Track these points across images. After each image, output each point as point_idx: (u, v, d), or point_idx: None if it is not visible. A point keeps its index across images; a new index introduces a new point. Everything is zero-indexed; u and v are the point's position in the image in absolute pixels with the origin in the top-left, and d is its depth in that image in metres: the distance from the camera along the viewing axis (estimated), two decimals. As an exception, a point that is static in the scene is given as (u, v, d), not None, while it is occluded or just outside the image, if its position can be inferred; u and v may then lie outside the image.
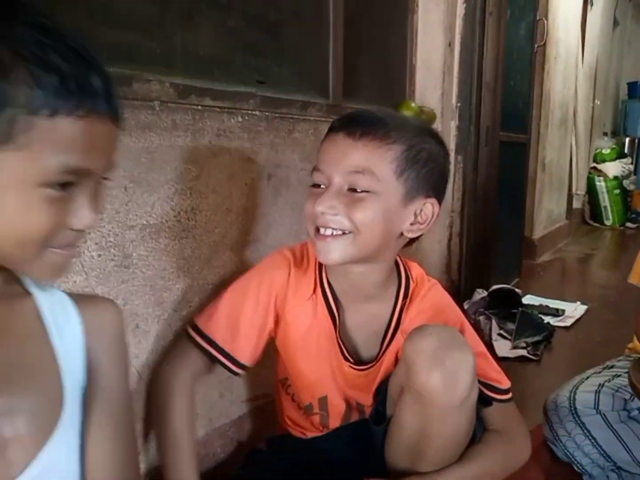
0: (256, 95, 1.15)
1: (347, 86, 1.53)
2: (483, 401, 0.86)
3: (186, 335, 0.92)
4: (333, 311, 0.91)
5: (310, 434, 1.00)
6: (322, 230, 0.81)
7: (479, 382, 0.84)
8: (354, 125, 0.80)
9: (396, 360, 0.92)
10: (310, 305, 0.91)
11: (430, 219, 0.86)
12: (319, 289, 0.92)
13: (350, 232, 0.80)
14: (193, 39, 1.09)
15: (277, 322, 0.93)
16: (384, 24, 1.78)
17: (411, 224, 0.84)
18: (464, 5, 1.90)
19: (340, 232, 0.80)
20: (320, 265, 0.92)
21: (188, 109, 0.97)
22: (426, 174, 0.82)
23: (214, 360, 0.90)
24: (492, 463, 0.89)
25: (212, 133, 1.02)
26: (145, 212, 0.91)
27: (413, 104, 1.81)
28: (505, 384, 0.93)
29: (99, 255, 0.85)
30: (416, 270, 0.98)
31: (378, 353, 0.93)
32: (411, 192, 0.82)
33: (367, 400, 0.95)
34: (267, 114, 1.15)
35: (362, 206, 0.79)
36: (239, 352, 0.90)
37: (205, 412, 1.10)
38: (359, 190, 0.79)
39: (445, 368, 0.76)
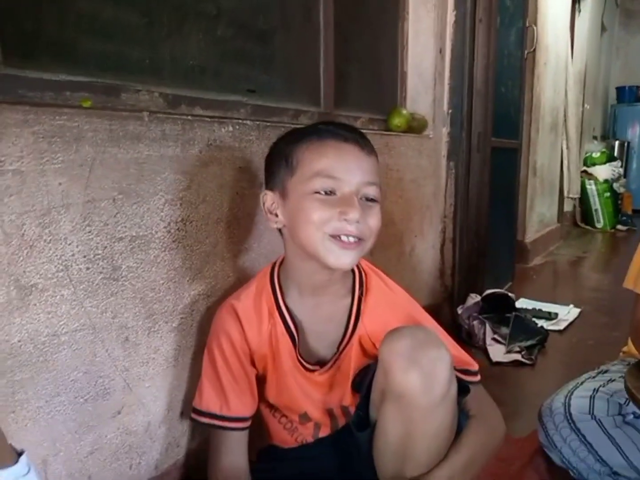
0: (247, 104, 1.14)
1: (338, 94, 1.53)
2: (461, 389, 0.87)
3: (191, 419, 0.96)
4: (292, 331, 0.94)
5: (298, 442, 1.00)
6: (344, 238, 0.83)
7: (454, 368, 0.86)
8: (362, 140, 0.86)
9: (363, 349, 0.94)
10: (269, 333, 0.94)
11: None
12: (275, 313, 0.94)
13: (363, 240, 0.85)
14: (182, 48, 1.09)
15: (255, 362, 0.96)
16: (375, 31, 1.78)
17: None
18: (454, 12, 1.91)
19: (358, 240, 0.84)
20: (274, 286, 0.95)
21: (178, 119, 0.96)
22: None
23: (218, 427, 0.94)
24: (476, 450, 0.90)
25: (202, 143, 1.01)
26: (134, 224, 0.90)
27: (404, 111, 1.81)
28: (474, 366, 0.96)
29: (87, 268, 0.84)
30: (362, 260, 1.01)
31: (339, 345, 0.94)
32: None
33: (346, 399, 0.96)
34: (258, 122, 1.15)
35: (375, 215, 0.86)
36: (239, 409, 0.94)
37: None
38: (371, 199, 0.86)
39: (422, 367, 0.78)
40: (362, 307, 0.94)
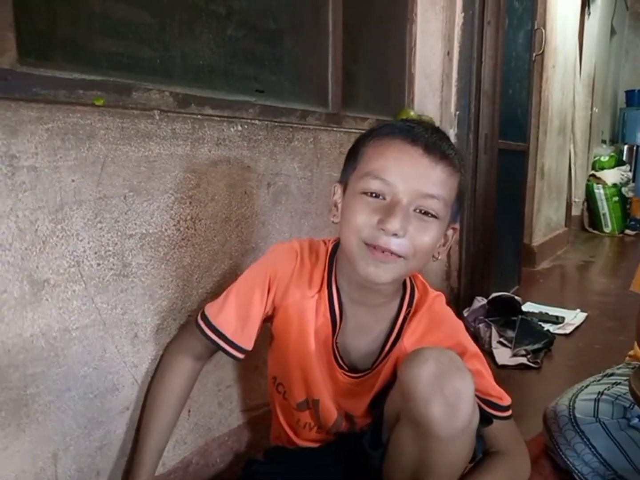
0: (255, 104, 1.15)
1: (346, 95, 1.53)
2: (484, 419, 0.83)
3: (196, 324, 0.91)
4: (335, 315, 0.89)
5: (302, 442, 1.00)
6: (379, 249, 0.76)
7: (479, 398, 0.82)
8: (433, 145, 0.77)
9: (395, 368, 0.90)
10: (313, 304, 0.89)
11: (450, 241, 0.86)
12: (325, 289, 0.89)
13: (402, 257, 0.77)
14: (192, 48, 1.09)
15: (275, 312, 0.92)
16: (383, 33, 1.79)
17: (439, 246, 0.84)
18: (463, 14, 1.91)
19: (396, 255, 0.77)
20: (331, 263, 0.89)
21: (188, 118, 0.98)
22: (462, 202, 0.85)
23: (219, 348, 0.90)
24: None
25: (211, 142, 1.02)
26: (144, 221, 0.91)
27: (412, 112, 1.82)
28: (506, 400, 0.90)
29: (98, 265, 0.85)
30: (419, 279, 0.95)
31: (375, 361, 0.91)
32: (452, 218, 0.83)
33: (358, 410, 0.94)
34: (266, 122, 1.16)
35: (428, 232, 0.77)
36: (245, 340, 0.90)
37: (204, 421, 1.09)
38: (429, 214, 0.77)
39: (445, 397, 0.73)
40: (405, 327, 0.89)
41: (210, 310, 0.91)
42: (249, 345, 0.91)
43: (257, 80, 1.23)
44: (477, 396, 0.80)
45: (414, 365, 0.76)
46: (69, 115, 0.79)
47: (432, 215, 0.77)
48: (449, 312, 0.94)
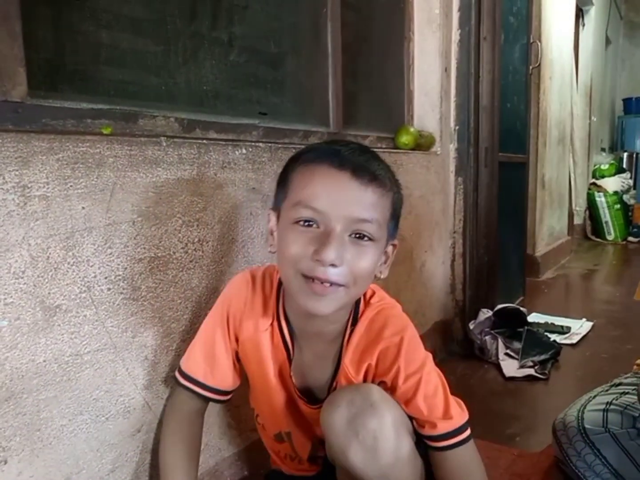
0: (259, 126, 1.18)
1: (347, 114, 1.56)
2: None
3: (174, 379, 0.94)
4: (288, 346, 0.88)
5: (292, 472, 0.99)
6: (317, 281, 0.73)
7: (419, 428, 0.81)
8: (361, 168, 0.74)
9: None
10: (267, 336, 0.88)
11: (391, 258, 0.84)
12: (275, 321, 0.87)
13: (343, 286, 0.74)
14: (196, 74, 1.12)
15: (238, 347, 0.92)
16: (382, 52, 1.82)
17: (380, 265, 0.82)
18: (459, 31, 1.95)
19: (335, 284, 0.74)
20: (278, 294, 0.87)
21: (193, 143, 1.00)
22: (398, 219, 0.83)
23: (200, 397, 0.92)
24: None
25: (217, 165, 1.04)
26: (153, 245, 0.93)
27: (412, 129, 1.84)
28: (461, 419, 0.82)
29: (108, 289, 0.87)
30: (371, 291, 0.88)
31: (329, 389, 0.87)
32: (390, 236, 0.81)
33: None
34: (270, 144, 1.18)
35: (365, 257, 0.75)
36: (220, 381, 0.92)
37: (214, 442, 1.10)
38: (365, 238, 0.75)
39: (361, 442, 0.72)
40: (345, 347, 0.85)
41: (182, 360, 0.93)
42: (224, 385, 0.92)
43: (259, 103, 1.26)
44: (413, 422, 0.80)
45: (328, 413, 0.76)
46: (78, 145, 0.81)
47: (368, 239, 0.75)
48: (394, 313, 0.87)
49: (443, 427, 0.80)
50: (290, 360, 0.88)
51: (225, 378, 0.92)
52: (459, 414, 0.82)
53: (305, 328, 0.86)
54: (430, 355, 0.85)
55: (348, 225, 0.73)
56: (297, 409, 0.92)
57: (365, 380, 0.84)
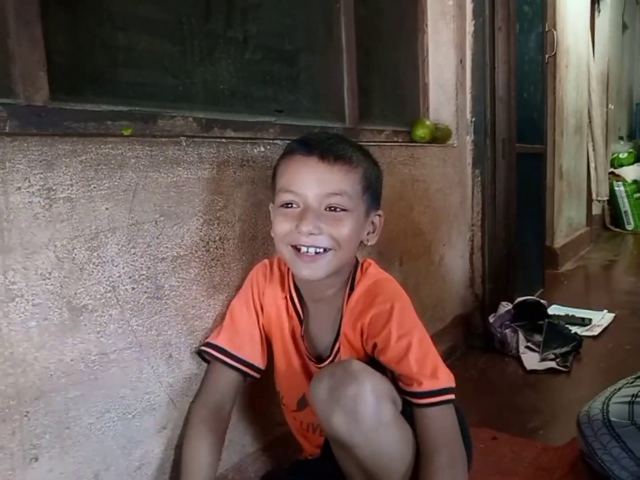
0: (275, 124, 1.18)
1: (362, 109, 1.56)
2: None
3: (204, 354, 0.98)
4: (299, 312, 0.99)
5: (317, 450, 1.03)
6: (304, 250, 0.87)
7: (400, 384, 0.87)
8: (326, 150, 0.87)
9: (352, 348, 0.95)
10: (284, 304, 1.01)
11: (379, 227, 0.97)
12: (288, 294, 1.01)
13: (330, 249, 0.88)
14: (213, 73, 1.13)
15: (263, 316, 1.02)
16: (395, 46, 1.81)
17: (368, 234, 0.95)
18: (473, 22, 1.93)
19: (321, 250, 0.87)
20: (289, 272, 1.00)
21: (212, 142, 1.00)
22: (375, 191, 0.95)
23: (232, 369, 0.98)
24: None
25: (236, 164, 1.05)
26: (175, 244, 0.94)
27: (428, 122, 1.83)
28: (440, 383, 0.86)
29: (133, 289, 0.88)
30: (366, 262, 1.01)
31: (332, 347, 0.97)
32: (369, 207, 0.93)
33: None
34: (287, 141, 1.18)
35: (342, 224, 0.87)
36: (250, 354, 1.00)
37: (238, 438, 1.11)
38: (338, 209, 0.87)
39: (342, 407, 0.79)
40: (344, 311, 0.96)
41: (211, 336, 1.00)
42: (254, 359, 1.00)
43: (275, 100, 1.26)
44: (399, 382, 0.87)
45: (313, 387, 0.85)
46: (100, 147, 0.82)
47: (341, 209, 0.87)
48: (389, 286, 0.96)
49: (428, 385, 0.86)
50: (301, 325, 0.99)
51: (254, 352, 1.01)
52: (446, 379, 0.88)
53: (311, 296, 0.99)
54: (423, 328, 0.92)
55: (321, 200, 0.87)
56: (309, 370, 1.00)
57: (360, 339, 0.93)
